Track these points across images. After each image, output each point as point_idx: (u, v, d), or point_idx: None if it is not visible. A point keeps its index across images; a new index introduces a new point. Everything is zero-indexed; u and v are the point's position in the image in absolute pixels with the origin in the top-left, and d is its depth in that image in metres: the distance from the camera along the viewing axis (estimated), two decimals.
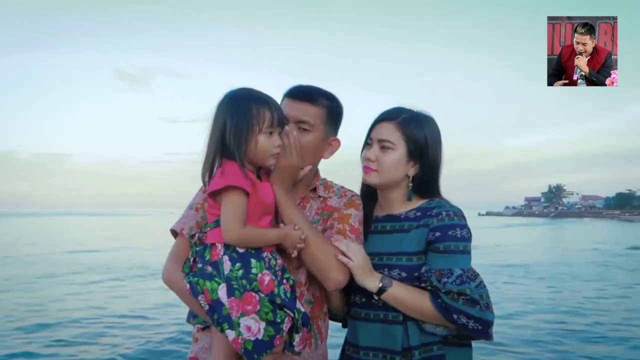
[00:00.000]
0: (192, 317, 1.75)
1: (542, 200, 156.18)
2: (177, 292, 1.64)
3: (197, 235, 1.67)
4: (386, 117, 1.86)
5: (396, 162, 1.81)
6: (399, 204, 1.88)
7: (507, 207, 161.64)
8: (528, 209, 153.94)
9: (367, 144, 1.89)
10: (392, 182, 1.85)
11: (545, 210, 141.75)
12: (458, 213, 1.78)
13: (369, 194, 1.95)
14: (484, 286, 1.71)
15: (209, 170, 1.59)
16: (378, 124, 1.87)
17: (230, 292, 1.48)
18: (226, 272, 1.50)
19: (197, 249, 1.59)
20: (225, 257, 1.52)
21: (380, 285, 1.71)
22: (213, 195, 1.56)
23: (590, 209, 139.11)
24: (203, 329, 1.76)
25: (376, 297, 1.73)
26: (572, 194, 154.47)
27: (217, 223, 1.56)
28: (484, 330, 1.66)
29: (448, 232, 1.73)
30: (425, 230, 1.76)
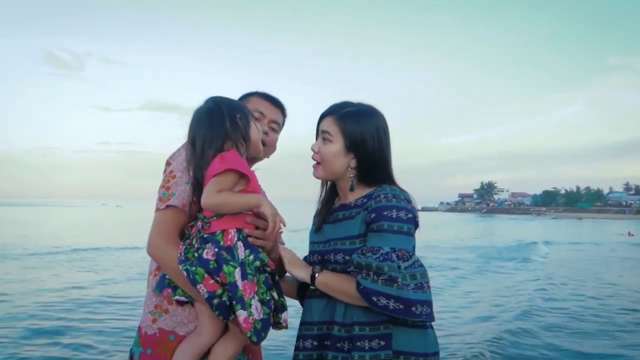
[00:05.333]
0: (169, 288, 1.72)
1: (475, 196, 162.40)
2: (167, 269, 1.70)
3: (199, 223, 1.70)
4: (329, 110, 1.92)
5: (335, 153, 1.86)
6: (349, 193, 1.93)
7: (441, 203, 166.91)
8: (461, 204, 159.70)
9: (317, 137, 1.95)
10: (336, 174, 1.91)
11: (477, 206, 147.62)
12: (399, 196, 1.79)
13: (332, 188, 2.02)
14: (420, 266, 1.71)
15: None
16: (324, 117, 1.93)
17: (244, 276, 1.58)
18: (241, 257, 1.60)
19: (205, 235, 1.64)
20: (240, 243, 1.63)
21: (311, 273, 1.83)
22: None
23: (518, 205, 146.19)
24: (187, 303, 1.75)
25: (312, 287, 1.85)
26: (503, 191, 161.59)
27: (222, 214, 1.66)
28: (406, 309, 1.63)
29: (383, 212, 1.75)
30: (365, 213, 1.80)
